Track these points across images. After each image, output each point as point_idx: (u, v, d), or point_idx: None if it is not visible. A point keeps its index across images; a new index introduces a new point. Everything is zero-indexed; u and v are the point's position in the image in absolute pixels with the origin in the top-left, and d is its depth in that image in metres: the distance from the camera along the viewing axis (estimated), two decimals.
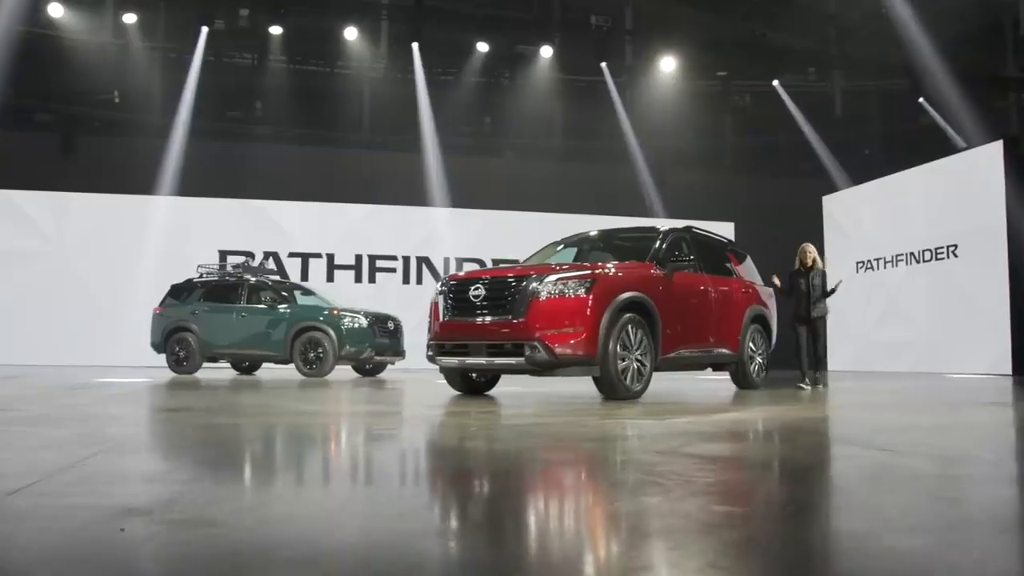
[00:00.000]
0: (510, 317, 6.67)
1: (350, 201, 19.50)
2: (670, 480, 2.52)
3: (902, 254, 16.49)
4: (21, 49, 17.85)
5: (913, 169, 16.44)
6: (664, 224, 9.06)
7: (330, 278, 19.62)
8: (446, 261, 20.30)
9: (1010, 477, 2.72)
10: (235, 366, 14.77)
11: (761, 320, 9.23)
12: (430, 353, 7.23)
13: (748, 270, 9.81)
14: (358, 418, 5.34)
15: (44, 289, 17.39)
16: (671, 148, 21.13)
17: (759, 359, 9.11)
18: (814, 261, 9.30)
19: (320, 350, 12.72)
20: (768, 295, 9.82)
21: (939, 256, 15.58)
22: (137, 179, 18.36)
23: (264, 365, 14.53)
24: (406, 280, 20.04)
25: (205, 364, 13.85)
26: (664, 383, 9.78)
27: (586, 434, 4.11)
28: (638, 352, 6.96)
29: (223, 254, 18.68)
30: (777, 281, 9.54)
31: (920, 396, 8.58)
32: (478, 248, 19.89)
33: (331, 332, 12.72)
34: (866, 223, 17.64)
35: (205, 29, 18.32)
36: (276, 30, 18.87)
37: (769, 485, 2.47)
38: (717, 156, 21.67)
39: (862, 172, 18.80)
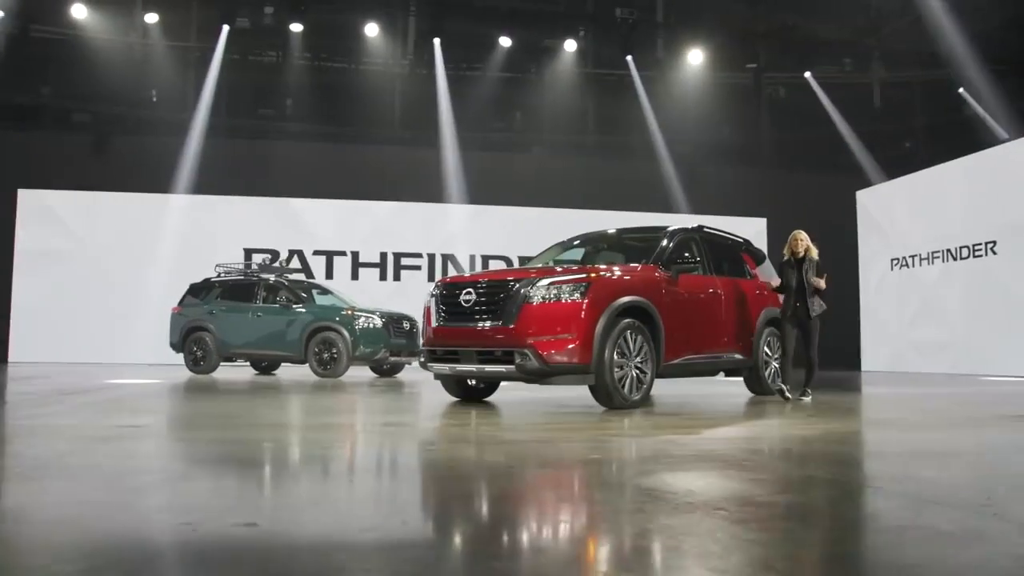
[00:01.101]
0: (500, 323, 6.40)
1: (374, 198, 19.37)
2: (594, 529, 2.24)
3: (938, 251, 15.83)
4: (52, 51, 18.08)
5: (950, 162, 15.76)
6: (675, 223, 8.62)
7: (355, 276, 19.53)
8: (471, 258, 20.08)
9: (991, 532, 2.36)
10: (254, 365, 14.71)
11: (778, 323, 8.80)
12: (422, 359, 7.00)
13: (766, 271, 9.41)
14: (315, 433, 5.09)
15: (74, 287, 17.58)
16: (700, 142, 20.65)
17: (775, 364, 8.69)
18: (807, 250, 7.80)
19: (334, 351, 12.58)
20: None
21: (977, 253, 14.91)
22: (166, 178, 18.45)
23: (283, 364, 14.45)
24: (431, 278, 19.80)
25: (223, 364, 13.84)
26: (677, 387, 9.41)
27: (553, 457, 3.84)
28: (638, 359, 6.64)
29: (248, 252, 18.69)
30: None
31: (945, 407, 8.11)
32: (504, 245, 19.61)
33: (345, 332, 12.57)
34: (901, 219, 16.99)
35: (226, 28, 18.29)
36: (297, 27, 18.78)
37: (701, 542, 2.16)
38: (748, 150, 21.11)
39: (900, 166, 18.14)
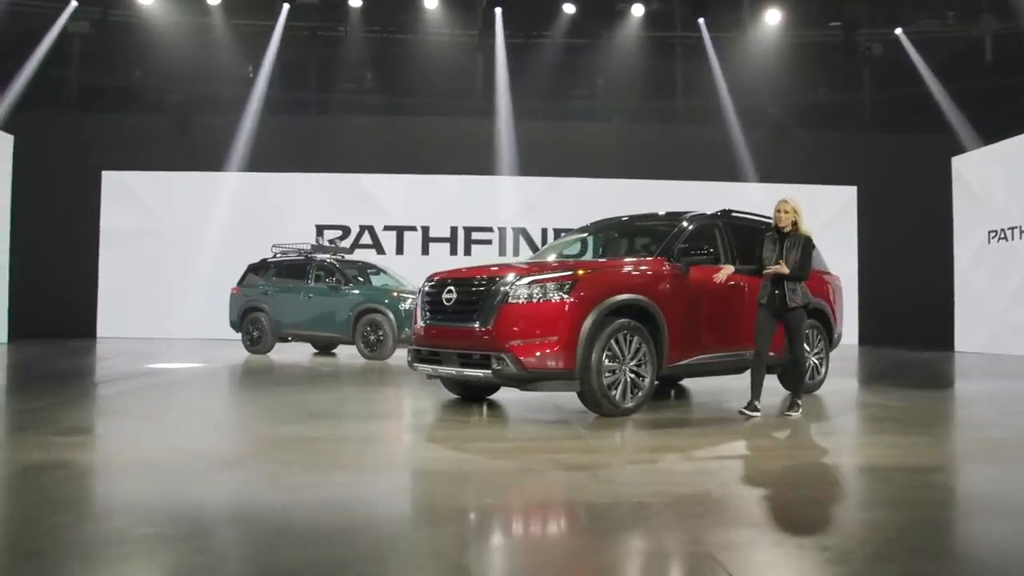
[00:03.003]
0: (479, 324, 6.03)
1: (443, 172, 19.16)
2: None
3: None
4: (128, 36, 18.55)
5: None
6: (701, 208, 7.91)
7: (425, 251, 19.47)
8: (543, 232, 19.66)
9: None
10: (314, 344, 14.79)
11: (818, 315, 8.06)
12: (409, 359, 6.71)
13: (816, 259, 8.61)
14: (257, 453, 4.87)
15: (154, 265, 18.14)
16: (781, 107, 19.44)
17: (813, 360, 7.98)
18: (794, 224, 6.26)
19: (381, 332, 12.50)
20: (835, 288, 8.60)
21: None
22: (239, 156, 18.70)
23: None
24: (503, 251, 19.56)
25: (279, 343, 13.94)
26: (709, 383, 8.74)
27: (430, 504, 3.48)
28: (633, 362, 6.15)
29: (320, 228, 18.89)
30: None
31: (998, 418, 7.24)
32: (576, 217, 18.93)
33: (390, 314, 12.46)
34: (1000, 187, 15.45)
35: (286, 6, 18.31)
36: (356, 2, 18.62)
37: None
38: (835, 114, 19.69)
39: (1004, 129, 16.45)
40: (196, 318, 17.70)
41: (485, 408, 6.67)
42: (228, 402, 7.55)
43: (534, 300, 5.92)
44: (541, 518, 3.24)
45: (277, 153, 18.76)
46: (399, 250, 19.37)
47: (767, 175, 18.88)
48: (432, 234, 19.53)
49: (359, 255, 18.55)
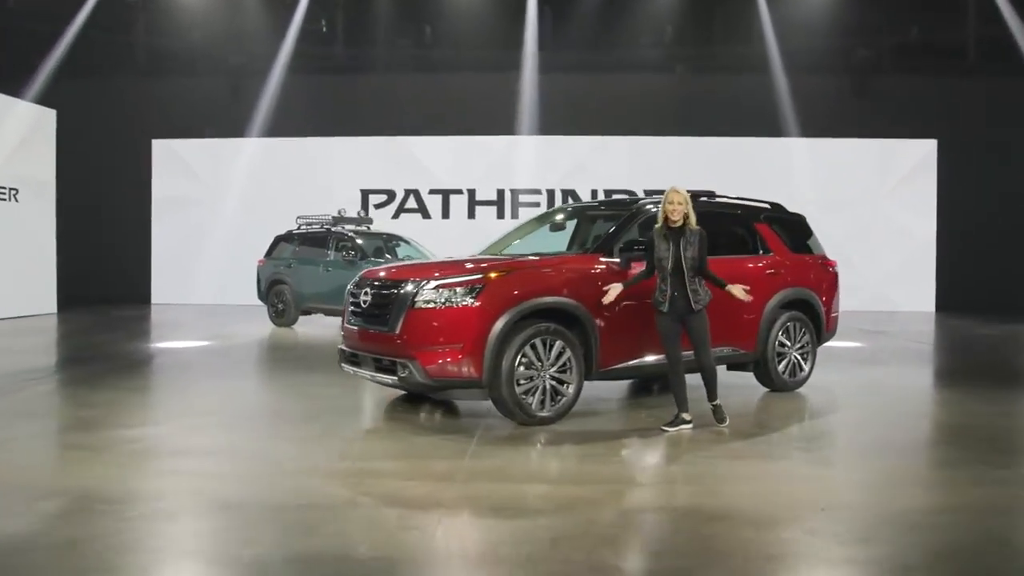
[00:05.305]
0: (387, 329, 5.74)
1: (488, 132, 18.72)
2: None
3: None
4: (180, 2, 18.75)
5: None
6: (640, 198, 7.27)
7: (471, 215, 19.15)
8: (593, 193, 19.03)
9: None
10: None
11: (801, 305, 7.34)
12: (338, 359, 6.47)
13: (817, 245, 7.91)
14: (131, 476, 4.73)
15: (203, 232, 18.42)
16: (852, 54, 17.96)
17: (795, 354, 7.27)
18: (685, 217, 5.59)
19: None
20: (830, 276, 7.81)
21: None
22: (283, 120, 18.67)
23: None
24: None
25: (303, 316, 13.87)
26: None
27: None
28: (554, 369, 5.73)
29: (365, 193, 18.85)
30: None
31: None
32: (628, 178, 18.40)
33: None
34: None
35: None
36: None
37: None
38: (913, 60, 18.03)
39: None
40: (245, 284, 17.89)
41: (420, 411, 6.35)
42: (184, 394, 7.51)
43: (440, 305, 5.56)
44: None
45: (321, 117, 18.71)
46: (445, 214, 19.11)
47: (836, 130, 17.71)
48: (479, 197, 19.16)
49: (404, 219, 18.53)
